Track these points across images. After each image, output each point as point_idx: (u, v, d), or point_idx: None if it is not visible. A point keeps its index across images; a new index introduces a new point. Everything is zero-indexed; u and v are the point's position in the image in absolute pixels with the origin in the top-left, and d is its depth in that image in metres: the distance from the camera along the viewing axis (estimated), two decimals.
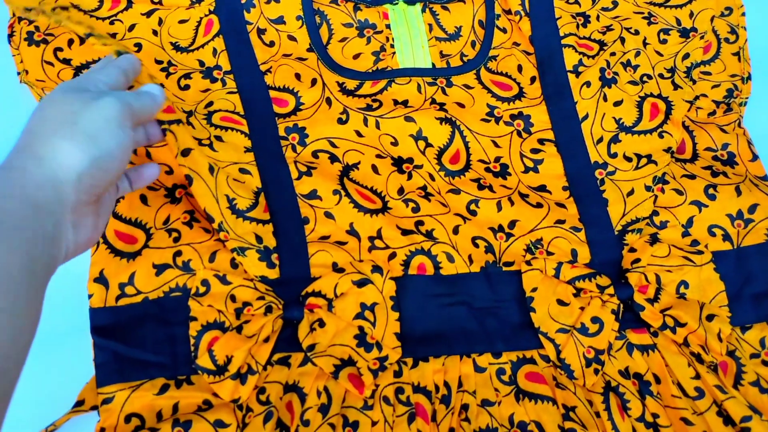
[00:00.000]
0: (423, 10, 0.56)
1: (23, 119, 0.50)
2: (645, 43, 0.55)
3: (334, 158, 0.50)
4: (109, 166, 0.34)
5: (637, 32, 0.55)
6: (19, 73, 0.51)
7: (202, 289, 0.43)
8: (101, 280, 0.44)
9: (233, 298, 0.43)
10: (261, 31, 0.54)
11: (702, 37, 0.55)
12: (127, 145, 0.35)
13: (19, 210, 0.30)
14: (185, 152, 0.44)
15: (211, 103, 0.50)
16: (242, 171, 0.48)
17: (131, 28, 0.52)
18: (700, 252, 0.46)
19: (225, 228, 0.44)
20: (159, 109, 0.39)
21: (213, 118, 0.49)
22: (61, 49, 0.51)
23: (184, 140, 0.44)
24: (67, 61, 0.51)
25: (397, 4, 0.57)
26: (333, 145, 0.50)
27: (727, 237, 0.48)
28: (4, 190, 0.31)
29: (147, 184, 0.42)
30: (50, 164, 0.32)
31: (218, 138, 0.48)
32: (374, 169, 0.49)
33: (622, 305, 0.44)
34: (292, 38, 0.54)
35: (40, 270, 0.31)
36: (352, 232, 0.47)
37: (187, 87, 0.51)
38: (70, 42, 0.51)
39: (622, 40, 0.54)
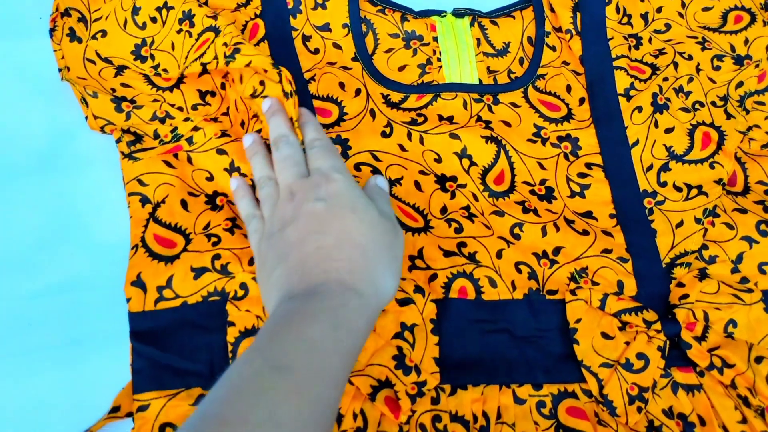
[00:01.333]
0: (471, 24, 0.55)
1: (63, 115, 0.50)
2: (698, 69, 0.53)
3: (376, 172, 0.49)
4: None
5: (690, 57, 0.54)
6: (60, 70, 0.50)
7: (240, 293, 0.43)
8: (138, 283, 0.43)
9: None
10: (306, 38, 0.53)
11: (757, 66, 0.54)
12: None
13: (349, 342, 0.34)
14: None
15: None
16: None
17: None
18: (750, 290, 0.45)
19: None
20: None
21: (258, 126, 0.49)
22: (95, 38, 0.51)
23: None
24: (108, 60, 0.50)
25: (445, 16, 0.56)
26: (376, 158, 0.49)
27: None
28: (340, 321, 0.34)
29: None
30: (375, 297, 0.37)
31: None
32: (417, 185, 0.48)
33: (668, 342, 0.43)
34: (337, 46, 0.53)
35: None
36: None
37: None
38: (104, 34, 0.51)
39: (675, 65, 0.53)
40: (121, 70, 0.50)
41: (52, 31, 0.50)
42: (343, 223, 0.37)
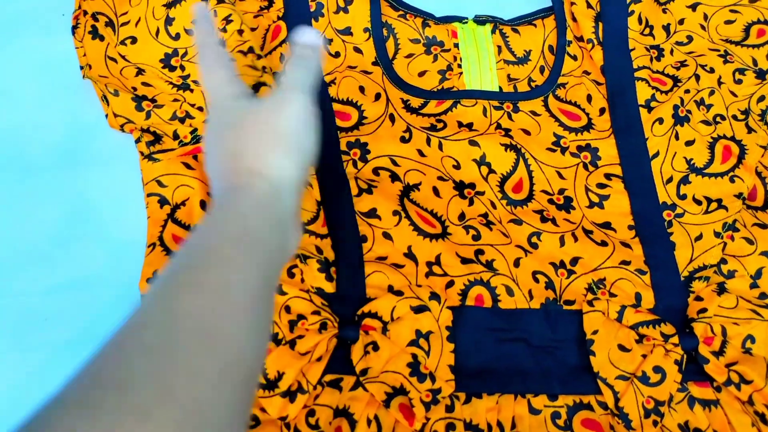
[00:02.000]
0: (493, 31, 0.55)
1: (84, 113, 0.50)
2: (720, 82, 0.53)
3: (395, 177, 0.49)
4: (309, 165, 0.35)
5: (712, 70, 0.53)
6: (82, 68, 0.50)
7: None
8: (153, 280, 0.43)
9: (288, 309, 0.42)
10: (327, 41, 0.53)
11: None
12: (317, 138, 0.36)
13: (257, 225, 0.31)
14: None
15: None
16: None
17: None
18: None
19: None
20: (323, 56, 0.39)
21: None
22: (124, 44, 0.51)
23: None
24: (153, 100, 0.50)
25: (466, 23, 0.55)
26: (395, 163, 0.49)
27: None
28: (239, 208, 0.31)
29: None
30: (273, 180, 0.33)
31: None
32: (435, 191, 0.48)
33: (685, 356, 0.43)
34: (357, 50, 0.53)
35: (274, 281, 0.31)
36: (410, 255, 0.46)
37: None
38: (134, 40, 0.51)
39: (697, 77, 0.53)
40: (142, 69, 0.50)
41: (74, 28, 0.51)
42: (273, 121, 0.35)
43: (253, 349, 0.27)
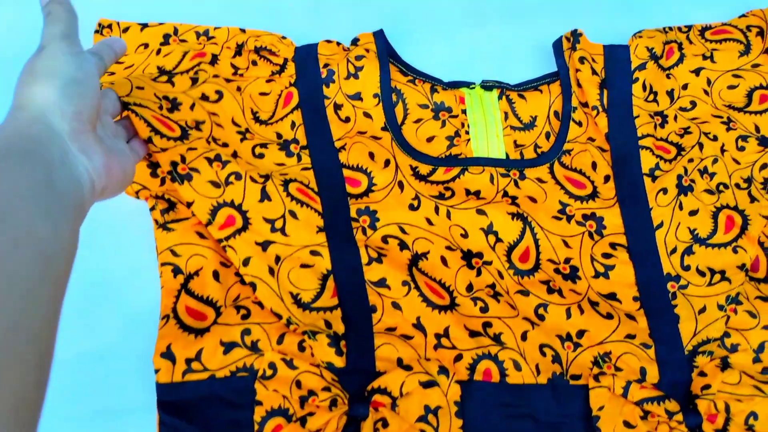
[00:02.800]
0: (500, 97, 0.56)
1: None
2: (723, 150, 0.54)
3: (403, 245, 0.49)
4: (80, 90, 0.38)
5: (715, 138, 0.54)
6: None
7: (269, 372, 0.43)
8: (168, 355, 0.44)
9: (299, 384, 0.43)
10: (337, 107, 0.54)
11: None
12: (89, 69, 0.39)
13: (21, 143, 0.34)
14: (246, 262, 0.46)
15: (286, 174, 0.50)
16: (313, 253, 0.48)
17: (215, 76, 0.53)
18: None
19: (294, 321, 0.44)
20: (121, 49, 0.45)
21: (290, 188, 0.49)
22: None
23: (243, 251, 0.46)
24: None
25: (474, 88, 0.57)
26: (403, 231, 0.50)
27: None
28: (2, 133, 0.35)
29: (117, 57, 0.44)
30: (32, 106, 0.36)
31: (292, 214, 0.48)
32: (443, 261, 0.49)
33: None
34: (367, 115, 0.54)
35: (65, 191, 0.34)
36: (419, 326, 0.46)
37: (261, 155, 0.51)
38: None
39: (701, 146, 0.54)
40: (172, 76, 0.51)
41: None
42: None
43: (44, 230, 0.30)
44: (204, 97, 0.51)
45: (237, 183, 0.48)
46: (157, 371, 0.44)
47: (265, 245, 0.47)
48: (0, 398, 0.26)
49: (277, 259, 0.47)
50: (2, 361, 0.26)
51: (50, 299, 0.30)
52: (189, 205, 0.47)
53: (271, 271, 0.46)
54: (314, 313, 0.46)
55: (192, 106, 0.50)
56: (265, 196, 0.48)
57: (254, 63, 0.54)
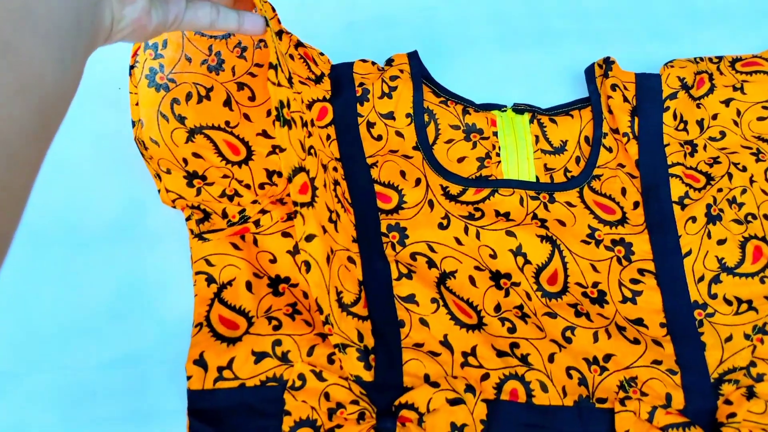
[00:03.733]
0: (531, 121, 0.57)
1: (137, 188, 0.52)
2: (752, 181, 0.54)
3: (431, 263, 0.50)
4: None
5: (744, 169, 0.55)
6: (134, 124, 0.51)
7: (298, 383, 0.44)
8: (200, 362, 0.44)
9: (327, 396, 0.44)
10: (370, 125, 0.55)
11: None
12: None
13: None
14: (309, 238, 0.44)
15: (336, 173, 0.51)
16: (349, 260, 0.48)
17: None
18: None
19: (331, 321, 0.44)
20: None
21: (337, 189, 0.50)
22: (177, 102, 0.51)
23: (311, 226, 0.44)
24: (181, 119, 0.51)
25: (505, 111, 0.57)
26: (432, 249, 0.50)
27: None
28: None
29: (247, 32, 0.41)
30: None
31: (337, 215, 0.49)
32: (471, 280, 0.50)
33: None
34: (399, 134, 0.55)
35: (84, 20, 0.29)
36: (446, 344, 0.47)
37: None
38: (189, 96, 0.51)
39: (730, 176, 0.54)
40: (192, 135, 0.51)
41: (131, 68, 0.51)
42: None
43: (53, 80, 0.27)
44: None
45: (313, 158, 0.47)
46: (189, 378, 0.44)
47: (324, 230, 0.46)
48: None
49: (332, 250, 0.47)
50: None
51: (39, 153, 0.27)
52: (281, 150, 0.43)
53: (328, 259, 0.45)
54: (350, 318, 0.46)
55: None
56: (325, 184, 0.48)
57: (291, 57, 0.54)
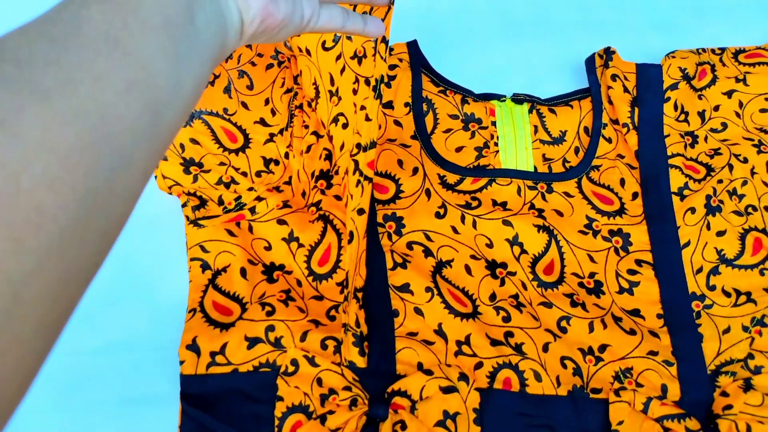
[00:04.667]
0: (530, 111, 0.57)
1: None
2: (753, 173, 0.54)
3: (428, 252, 0.50)
4: None
5: (745, 160, 0.54)
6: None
7: (291, 369, 0.44)
8: (193, 347, 0.44)
9: (320, 382, 0.43)
10: None
11: None
12: None
13: None
14: (360, 211, 0.46)
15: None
16: None
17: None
18: None
19: (349, 299, 0.44)
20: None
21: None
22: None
23: (365, 200, 0.45)
24: (200, 164, 0.51)
25: (504, 101, 0.57)
26: (428, 238, 0.50)
27: None
28: None
29: (370, 34, 0.40)
30: None
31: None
32: (467, 269, 0.49)
33: None
34: (398, 123, 0.55)
35: (206, 27, 0.28)
36: (440, 332, 0.47)
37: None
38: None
39: (730, 167, 0.54)
40: (191, 119, 0.51)
41: None
42: None
43: (165, 77, 0.25)
44: None
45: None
46: (182, 363, 0.44)
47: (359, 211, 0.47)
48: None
49: (366, 235, 0.48)
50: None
51: (150, 154, 0.25)
52: (367, 119, 0.45)
53: (351, 235, 0.46)
54: (354, 302, 0.46)
55: None
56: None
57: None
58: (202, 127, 0.51)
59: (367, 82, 0.45)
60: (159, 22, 0.25)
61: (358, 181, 0.44)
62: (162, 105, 0.25)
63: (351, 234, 0.44)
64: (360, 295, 0.47)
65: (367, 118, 0.44)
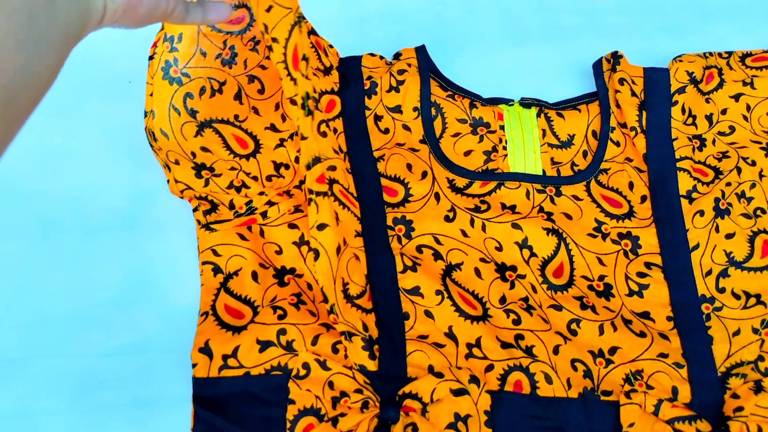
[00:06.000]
0: (538, 115, 0.57)
1: (146, 178, 0.52)
2: (761, 175, 0.54)
3: (437, 255, 0.50)
4: None
5: (753, 163, 0.54)
6: (146, 114, 0.51)
7: (302, 372, 0.44)
8: (206, 350, 0.45)
9: (331, 385, 0.44)
10: (378, 118, 0.55)
11: None
12: None
13: None
14: (321, 227, 0.44)
15: (334, 169, 0.51)
16: (355, 256, 0.49)
17: None
18: None
19: (336, 311, 0.45)
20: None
21: (334, 188, 0.50)
22: (191, 96, 0.52)
23: (324, 215, 0.45)
24: (193, 113, 0.51)
25: (513, 105, 0.57)
26: (438, 241, 0.51)
27: None
28: None
29: (210, 21, 0.41)
30: None
31: (336, 215, 0.49)
32: (477, 272, 0.50)
33: None
34: (406, 128, 0.55)
35: (64, 12, 0.28)
36: (451, 335, 0.47)
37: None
38: (202, 90, 0.52)
39: (738, 170, 0.54)
40: (202, 129, 0.52)
41: (150, 58, 0.51)
42: None
43: (21, 68, 0.25)
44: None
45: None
46: (194, 366, 0.45)
47: (336, 221, 0.47)
48: None
49: (344, 241, 0.47)
50: None
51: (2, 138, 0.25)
52: (303, 138, 0.44)
53: (338, 250, 0.46)
54: (354, 310, 0.46)
55: None
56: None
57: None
58: (213, 136, 0.52)
59: (293, 101, 0.44)
60: (11, 10, 0.25)
61: (310, 200, 0.44)
62: (14, 97, 0.25)
63: (316, 251, 0.44)
64: (361, 301, 0.47)
65: (303, 137, 0.44)
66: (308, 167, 0.44)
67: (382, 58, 0.58)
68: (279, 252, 0.50)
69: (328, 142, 0.51)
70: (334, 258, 0.45)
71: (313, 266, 0.45)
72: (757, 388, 0.46)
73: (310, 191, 0.44)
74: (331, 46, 0.56)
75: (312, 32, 0.54)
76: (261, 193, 0.51)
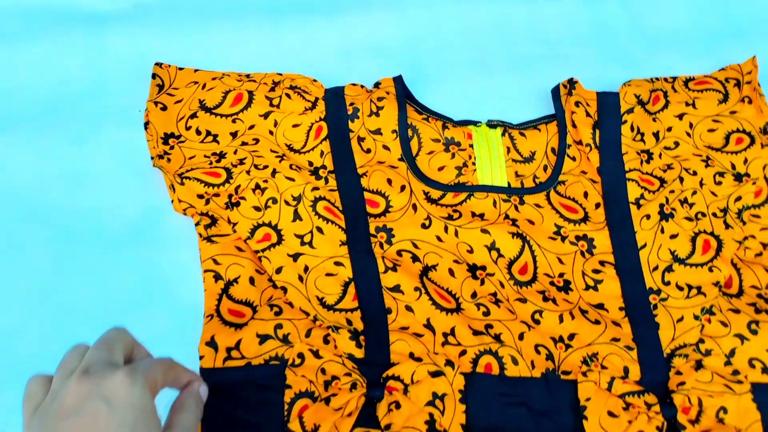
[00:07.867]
0: (503, 134, 0.64)
1: (155, 197, 0.59)
2: (702, 184, 0.61)
3: (415, 258, 0.56)
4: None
5: (695, 173, 0.61)
6: (152, 158, 0.59)
7: (297, 361, 0.50)
8: (212, 344, 0.51)
9: (323, 371, 0.49)
10: (360, 139, 0.62)
11: (754, 183, 0.61)
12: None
13: None
14: (278, 270, 0.54)
15: (318, 190, 0.58)
16: (336, 264, 0.55)
17: (251, 127, 0.61)
18: (740, 382, 0.51)
19: (319, 318, 0.51)
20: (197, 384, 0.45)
21: (318, 207, 0.57)
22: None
23: (276, 261, 0.54)
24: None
25: (480, 126, 0.64)
26: (416, 246, 0.57)
27: (766, 370, 0.52)
28: None
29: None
30: None
31: (319, 230, 0.56)
32: (451, 272, 0.56)
33: (666, 423, 0.49)
34: (386, 148, 0.62)
35: None
36: (429, 326, 0.53)
37: (299, 168, 0.59)
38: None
39: (681, 179, 0.61)
40: (181, 181, 0.58)
41: (146, 125, 0.60)
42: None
43: None
44: (244, 144, 0.61)
45: (273, 206, 0.57)
46: (201, 357, 0.50)
47: (295, 257, 0.55)
48: None
49: (306, 268, 0.54)
50: None
51: None
52: (234, 225, 0.56)
53: (300, 278, 0.54)
54: (337, 313, 0.52)
55: (235, 152, 0.60)
56: (296, 216, 0.56)
57: (288, 96, 0.63)
58: (189, 183, 0.58)
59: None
60: None
61: (261, 258, 0.56)
62: None
63: (284, 288, 0.54)
64: (341, 305, 0.54)
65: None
66: (248, 238, 0.56)
67: (363, 87, 0.65)
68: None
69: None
70: (300, 285, 0.54)
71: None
72: (698, 366, 0.52)
73: (257, 252, 0.55)
74: (314, 81, 0.64)
75: (293, 87, 0.64)
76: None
